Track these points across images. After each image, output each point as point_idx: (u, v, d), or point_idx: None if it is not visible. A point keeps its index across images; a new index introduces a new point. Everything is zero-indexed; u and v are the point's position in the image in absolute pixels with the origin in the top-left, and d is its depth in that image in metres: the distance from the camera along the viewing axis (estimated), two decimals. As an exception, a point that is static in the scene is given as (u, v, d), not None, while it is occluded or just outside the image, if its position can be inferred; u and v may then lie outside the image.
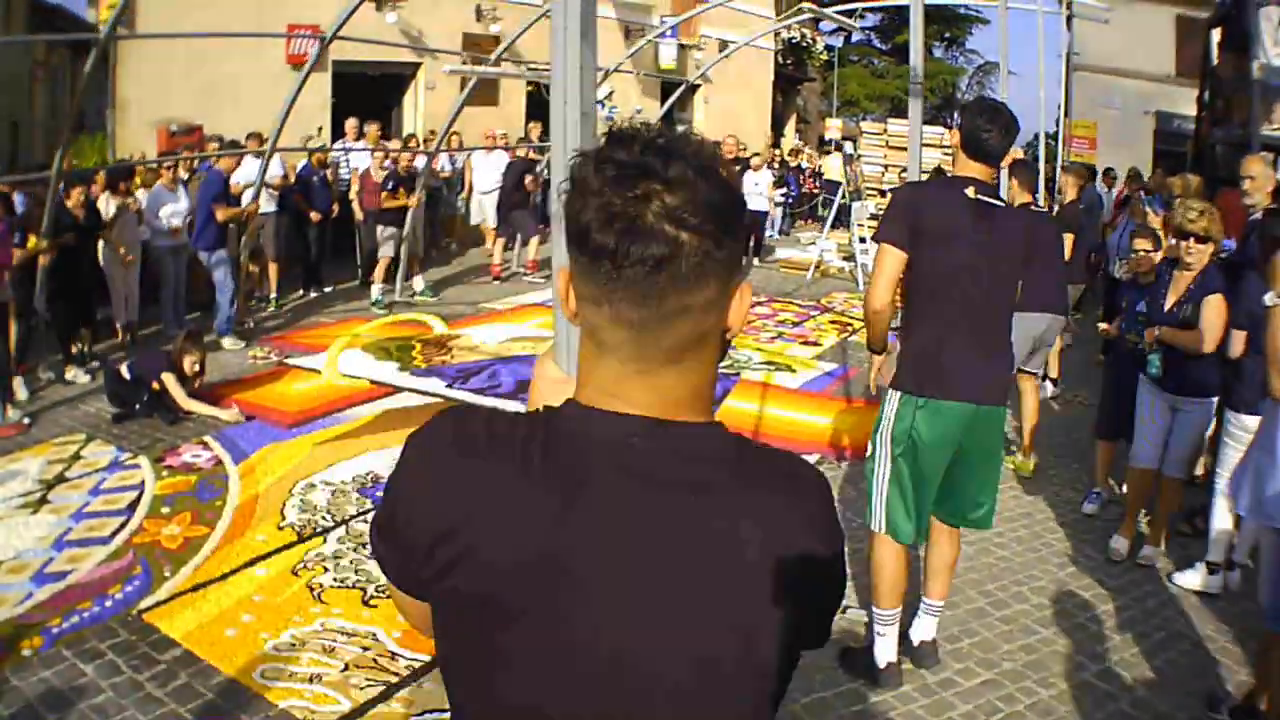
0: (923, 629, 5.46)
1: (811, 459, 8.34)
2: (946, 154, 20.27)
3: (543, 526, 1.44)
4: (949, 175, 5.26)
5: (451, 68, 17.17)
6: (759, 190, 20.51)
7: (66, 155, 10.66)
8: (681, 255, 1.40)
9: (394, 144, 17.80)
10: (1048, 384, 10.84)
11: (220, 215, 12.08)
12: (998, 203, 4.96)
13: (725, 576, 1.44)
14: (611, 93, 25.00)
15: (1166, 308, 6.74)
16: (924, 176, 8.97)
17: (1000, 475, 5.54)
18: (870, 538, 5.28)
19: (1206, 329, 6.39)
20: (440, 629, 1.54)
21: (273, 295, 14.31)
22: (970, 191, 4.83)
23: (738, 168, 17.91)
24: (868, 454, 5.21)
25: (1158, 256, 7.42)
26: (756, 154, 23.92)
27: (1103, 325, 8.05)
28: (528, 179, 17.43)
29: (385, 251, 14.97)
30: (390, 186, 14.98)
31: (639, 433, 1.47)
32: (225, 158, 13.06)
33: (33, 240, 10.02)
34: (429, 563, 1.49)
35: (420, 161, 16.64)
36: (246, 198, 13.01)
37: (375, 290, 14.92)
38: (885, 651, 5.23)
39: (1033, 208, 5.49)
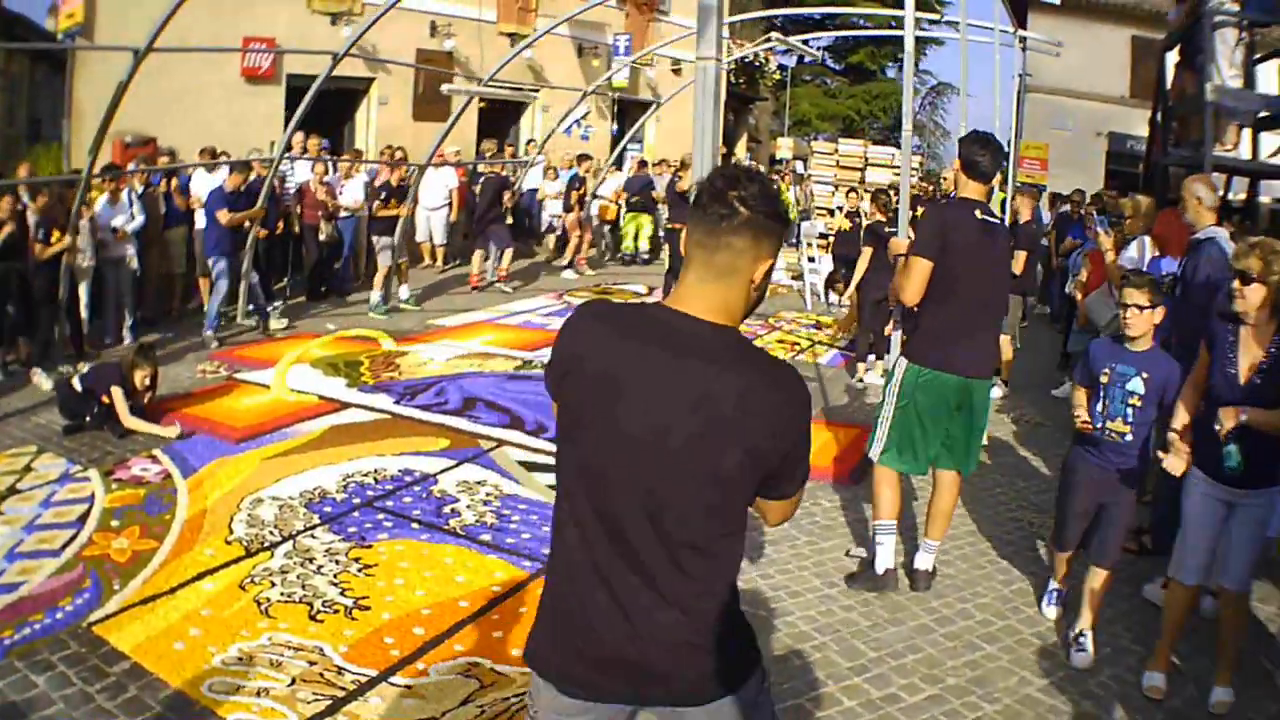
0: (921, 561, 6.78)
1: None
2: (896, 174, 20.95)
3: (614, 360, 2.70)
4: (959, 197, 6.52)
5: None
6: None
7: (94, 160, 11.34)
8: (735, 215, 2.64)
9: (345, 157, 17.87)
10: (998, 384, 11.55)
11: (223, 219, 12.94)
12: (995, 221, 6.46)
13: (710, 402, 2.60)
14: (587, 113, 25.40)
15: (1241, 378, 5.20)
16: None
17: (984, 433, 6.97)
18: (873, 469, 6.74)
19: None
20: (558, 420, 2.84)
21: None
22: (978, 214, 6.30)
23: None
24: (879, 401, 6.69)
25: (1157, 316, 5.74)
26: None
27: (1078, 413, 5.97)
28: (505, 195, 18.49)
29: (383, 260, 15.82)
30: (384, 197, 15.94)
31: (684, 323, 2.69)
32: (233, 172, 13.54)
33: (56, 235, 11.08)
34: (561, 378, 2.81)
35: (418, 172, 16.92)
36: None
37: (374, 296, 15.69)
38: (885, 559, 6.63)
39: (989, 219, 6.17)
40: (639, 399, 2.63)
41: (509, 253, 18.66)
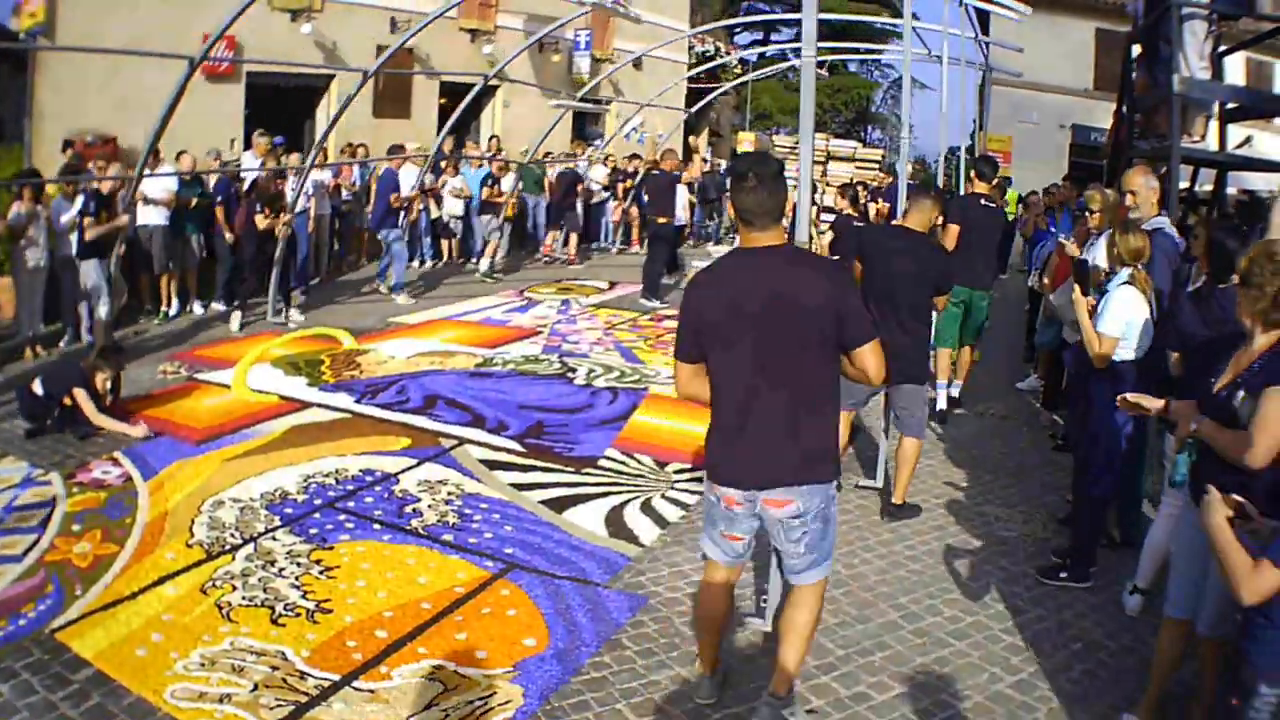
0: (948, 396, 11.11)
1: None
2: (861, 169, 22.92)
3: (884, 246, 8.16)
4: (970, 191, 11.86)
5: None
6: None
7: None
8: (927, 196, 8.31)
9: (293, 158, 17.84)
10: None
11: (394, 201, 16.68)
12: (992, 205, 11.42)
13: (923, 261, 7.82)
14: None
15: (1216, 387, 4.53)
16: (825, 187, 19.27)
17: (983, 325, 11.59)
18: (935, 352, 10.28)
19: (1258, 431, 4.10)
20: (862, 274, 8.14)
21: (166, 309, 14.20)
22: (981, 201, 11.10)
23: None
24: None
25: None
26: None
27: None
28: (579, 187, 22.69)
29: (493, 237, 19.82)
30: (493, 183, 19.97)
31: (909, 232, 7.99)
32: (395, 159, 18.33)
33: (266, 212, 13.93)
34: (858, 255, 8.53)
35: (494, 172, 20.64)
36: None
37: (484, 265, 19.43)
38: (940, 403, 10.75)
39: (988, 204, 11.27)
40: (903, 260, 7.58)
41: (575, 236, 22.71)
